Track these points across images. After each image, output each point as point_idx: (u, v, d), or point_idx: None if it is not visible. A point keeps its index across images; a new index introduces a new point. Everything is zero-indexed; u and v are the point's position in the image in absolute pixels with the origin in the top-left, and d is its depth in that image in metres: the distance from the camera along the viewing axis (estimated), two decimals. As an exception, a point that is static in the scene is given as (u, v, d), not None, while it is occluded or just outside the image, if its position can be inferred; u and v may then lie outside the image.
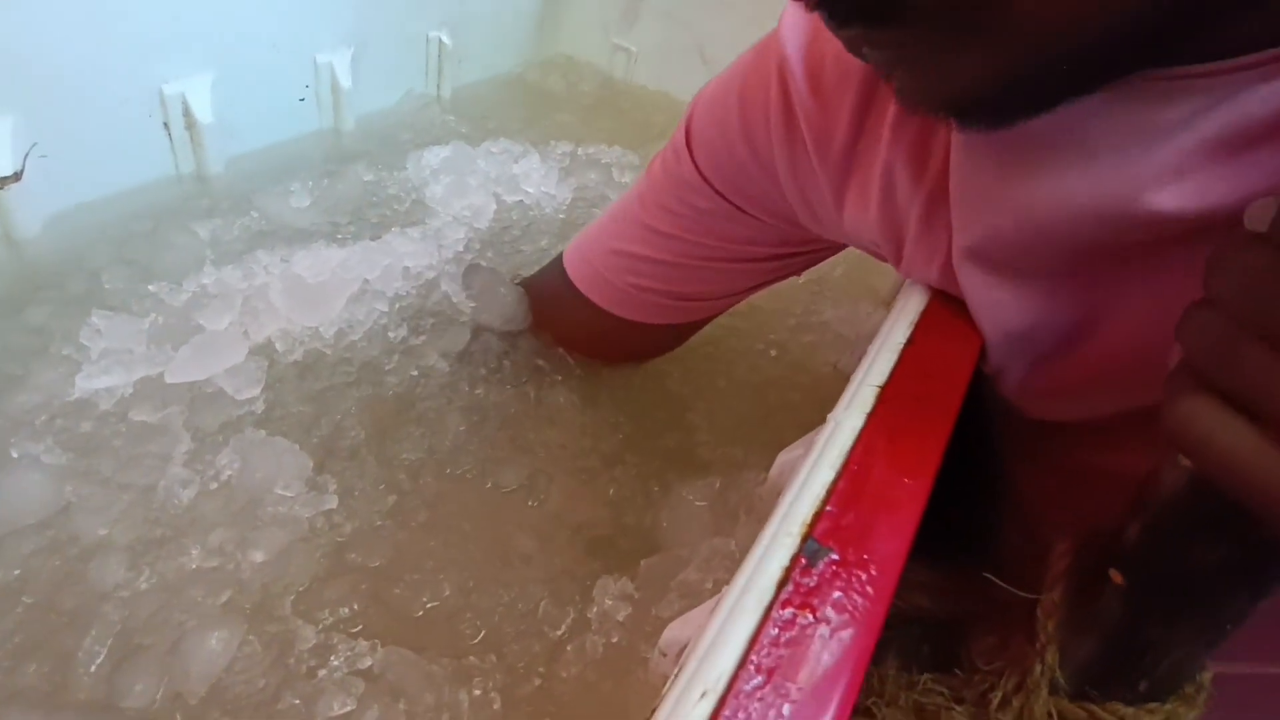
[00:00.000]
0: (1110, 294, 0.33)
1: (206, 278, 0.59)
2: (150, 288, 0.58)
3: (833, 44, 0.31)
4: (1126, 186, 0.28)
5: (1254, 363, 0.20)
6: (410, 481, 0.51)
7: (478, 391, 0.57)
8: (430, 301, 0.61)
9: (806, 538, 0.25)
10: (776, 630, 0.22)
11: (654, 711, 0.20)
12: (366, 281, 0.60)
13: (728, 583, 0.25)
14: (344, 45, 0.84)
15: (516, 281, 0.62)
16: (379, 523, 0.48)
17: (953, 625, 0.33)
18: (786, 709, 0.20)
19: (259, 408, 0.52)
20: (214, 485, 0.47)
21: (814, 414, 0.33)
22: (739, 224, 0.48)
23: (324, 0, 0.81)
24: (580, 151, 0.88)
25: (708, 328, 0.69)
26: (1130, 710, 0.28)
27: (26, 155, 0.62)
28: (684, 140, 0.48)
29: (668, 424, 0.60)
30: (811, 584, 0.23)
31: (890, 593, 0.24)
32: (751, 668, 0.20)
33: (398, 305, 0.60)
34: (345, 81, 0.84)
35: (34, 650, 0.40)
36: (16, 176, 0.61)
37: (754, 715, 0.20)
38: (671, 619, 0.33)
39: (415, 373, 0.57)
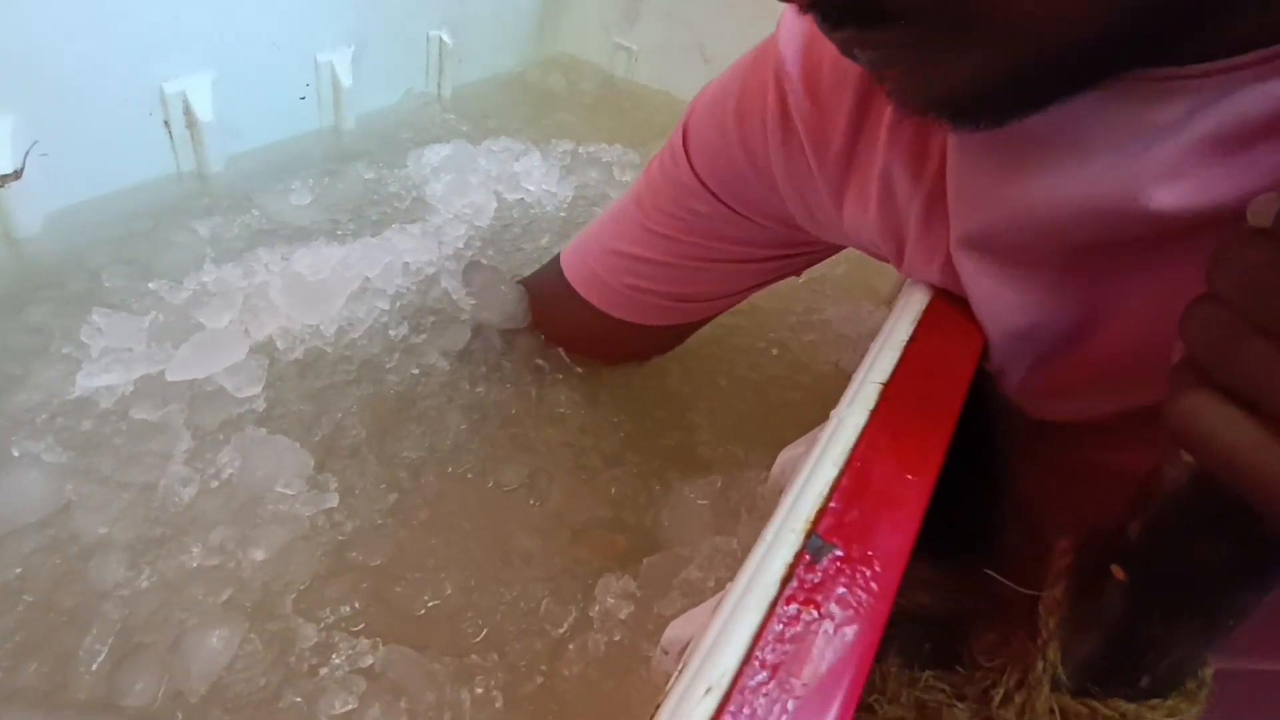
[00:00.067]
0: (1111, 293, 0.33)
1: (207, 276, 0.59)
2: (150, 286, 0.58)
3: (830, 48, 0.31)
4: (1123, 184, 0.29)
5: (1256, 358, 0.20)
6: (411, 480, 0.51)
7: (478, 390, 0.57)
8: (430, 299, 0.61)
9: (810, 534, 0.25)
10: (781, 626, 0.22)
11: (658, 708, 0.20)
12: (367, 279, 0.60)
13: (729, 581, 0.25)
14: (344, 44, 0.84)
15: (515, 280, 0.62)
16: (380, 521, 0.48)
17: (954, 622, 0.33)
18: (791, 705, 0.20)
19: (259, 406, 0.52)
20: (214, 483, 0.47)
21: (815, 412, 0.33)
22: (737, 227, 0.48)
23: (324, -1, 0.81)
24: (581, 150, 0.88)
25: (709, 327, 0.69)
26: (1132, 707, 0.28)
27: (27, 154, 0.62)
28: (681, 144, 0.48)
29: (669, 423, 0.60)
30: (815, 580, 0.23)
31: (894, 589, 0.24)
32: (756, 663, 0.20)
33: (398, 303, 0.60)
34: (346, 80, 0.84)
35: (34, 649, 0.40)
36: (17, 175, 0.61)
37: (759, 711, 0.20)
38: (673, 617, 0.33)
39: (416, 371, 0.57)
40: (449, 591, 0.44)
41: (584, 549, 0.49)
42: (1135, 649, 0.27)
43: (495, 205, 0.75)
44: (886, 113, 0.37)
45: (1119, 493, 0.27)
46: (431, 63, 0.97)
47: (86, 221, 0.67)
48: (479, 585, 0.45)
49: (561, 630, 0.43)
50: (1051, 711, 0.28)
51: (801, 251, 0.51)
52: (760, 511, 0.44)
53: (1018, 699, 0.29)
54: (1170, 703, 0.28)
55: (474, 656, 0.41)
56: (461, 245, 0.68)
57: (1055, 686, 0.28)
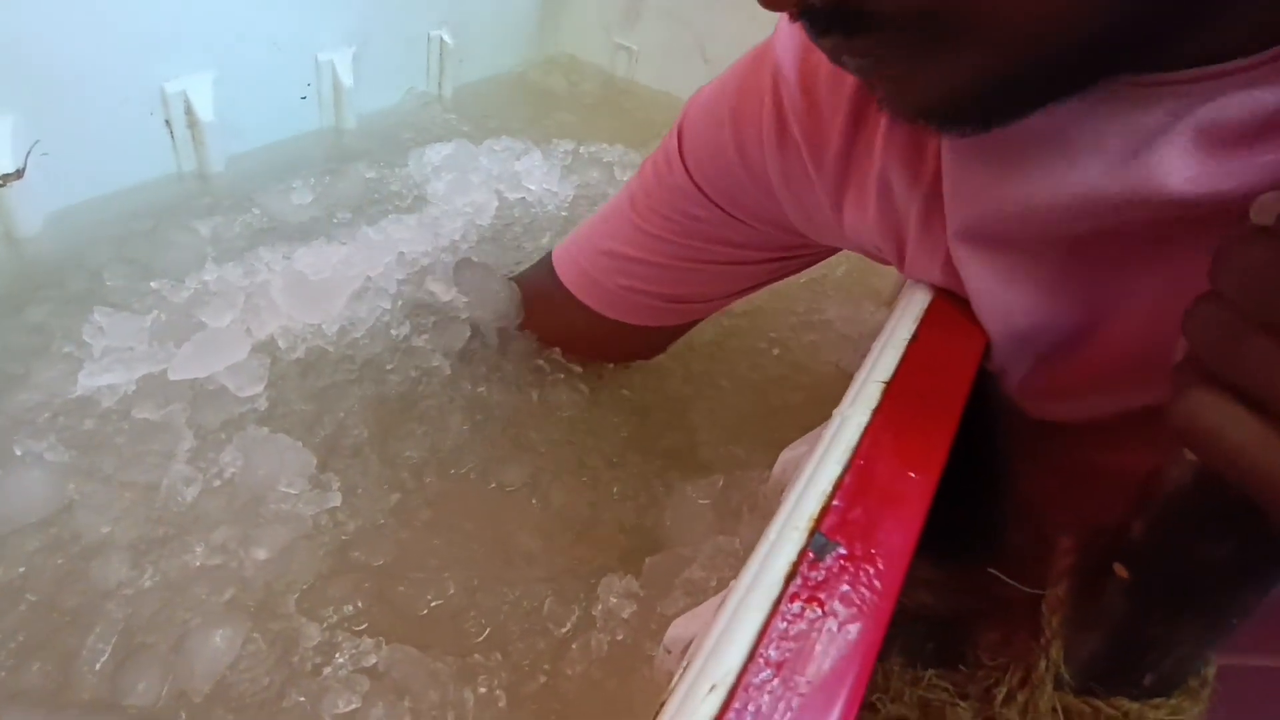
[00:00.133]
0: (1112, 294, 0.33)
1: (208, 275, 0.59)
2: (152, 285, 0.58)
3: None
4: (1116, 181, 0.29)
5: (1260, 356, 0.20)
6: (413, 480, 0.51)
7: (480, 390, 0.57)
8: (425, 293, 0.61)
9: (814, 532, 0.25)
10: (785, 624, 0.22)
11: (663, 706, 0.20)
12: (369, 279, 0.60)
13: (732, 580, 0.25)
14: (345, 44, 0.84)
15: (508, 278, 0.61)
16: (382, 521, 0.48)
17: (957, 621, 0.33)
18: (795, 702, 0.20)
19: (261, 405, 0.52)
20: (217, 483, 0.47)
21: (816, 413, 0.33)
22: (732, 230, 0.48)
23: (325, -1, 0.81)
24: (582, 150, 0.88)
25: (710, 328, 0.69)
26: (1135, 705, 0.28)
27: (28, 153, 0.62)
28: (676, 147, 0.48)
29: (670, 423, 0.60)
30: (819, 578, 0.23)
31: (898, 587, 0.24)
32: (760, 661, 0.21)
33: (400, 303, 0.60)
34: (347, 80, 0.84)
35: (37, 649, 0.40)
36: (19, 174, 0.61)
37: (763, 708, 0.20)
38: (676, 616, 0.33)
39: (417, 371, 0.57)
40: (452, 591, 0.44)
41: (586, 548, 0.49)
42: (1138, 648, 0.28)
43: (496, 204, 0.75)
44: (883, 116, 0.37)
45: (1121, 492, 0.27)
46: (432, 62, 0.97)
47: (87, 221, 0.67)
48: (482, 585, 0.45)
49: (564, 630, 0.43)
50: (1054, 710, 0.28)
51: (797, 254, 0.51)
52: (762, 511, 0.44)
53: (1021, 698, 0.29)
54: (1173, 701, 0.28)
55: (477, 656, 0.41)
56: (458, 238, 0.68)
57: (1058, 685, 0.28)
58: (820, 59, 0.39)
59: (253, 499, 0.47)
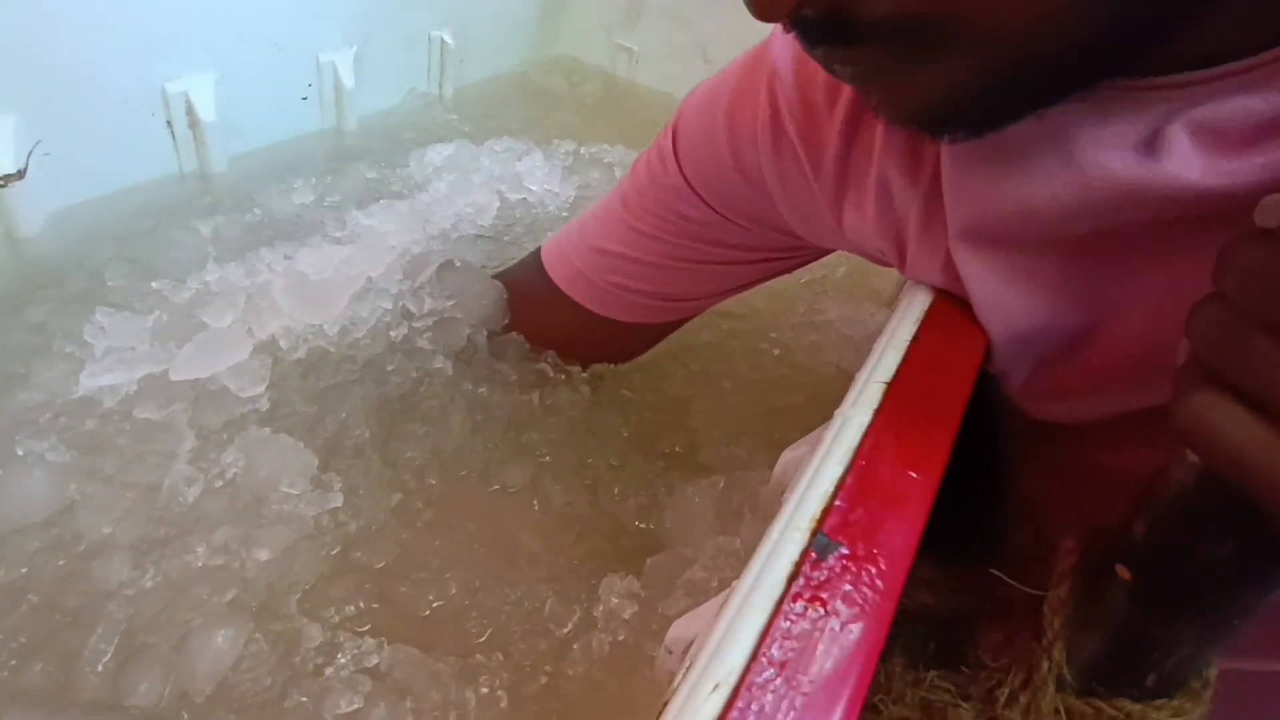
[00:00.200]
0: (1113, 296, 0.33)
1: (209, 275, 0.59)
2: (153, 285, 0.58)
3: None
4: (1115, 185, 0.29)
5: (1261, 357, 0.20)
6: (415, 481, 0.51)
7: (481, 391, 0.57)
8: (420, 288, 0.61)
9: (816, 532, 0.25)
10: (788, 624, 0.22)
11: (666, 705, 0.20)
12: (370, 279, 0.60)
13: (733, 581, 0.25)
14: (347, 44, 0.85)
15: (492, 275, 0.61)
16: (384, 521, 0.48)
17: (959, 622, 0.33)
18: (799, 701, 0.20)
19: (263, 405, 0.52)
20: (219, 483, 0.47)
21: (817, 413, 0.33)
22: (727, 231, 0.48)
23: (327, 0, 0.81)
24: (583, 151, 0.88)
25: (710, 329, 0.69)
26: (1137, 706, 0.28)
27: (30, 153, 0.62)
28: (671, 147, 0.48)
29: (671, 424, 0.60)
30: (822, 578, 0.23)
31: (900, 587, 0.24)
32: (764, 660, 0.21)
33: (401, 303, 0.60)
34: (348, 81, 0.84)
35: (39, 649, 0.40)
36: (20, 174, 0.61)
37: (767, 707, 0.20)
38: (677, 617, 0.33)
39: (419, 372, 0.57)
40: (453, 591, 0.44)
41: (587, 549, 0.49)
42: (1140, 649, 0.28)
43: (498, 204, 0.75)
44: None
45: (1122, 493, 0.27)
46: (433, 63, 0.97)
47: (89, 221, 0.67)
48: (483, 585, 0.45)
49: (566, 630, 0.43)
50: (1057, 711, 0.28)
51: (790, 255, 0.51)
52: (763, 512, 0.44)
53: (1023, 699, 0.29)
54: (1175, 702, 0.28)
55: (479, 656, 0.41)
56: (455, 237, 0.68)
57: (1060, 686, 0.28)
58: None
59: (254, 499, 0.47)
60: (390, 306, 0.59)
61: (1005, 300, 0.35)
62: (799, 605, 0.22)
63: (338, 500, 0.48)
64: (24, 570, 0.42)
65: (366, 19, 0.86)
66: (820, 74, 0.39)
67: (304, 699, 0.38)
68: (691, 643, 0.29)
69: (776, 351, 0.69)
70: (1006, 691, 0.29)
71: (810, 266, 0.63)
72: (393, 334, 0.58)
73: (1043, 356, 0.37)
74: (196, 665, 0.39)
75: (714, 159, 0.46)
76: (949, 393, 0.33)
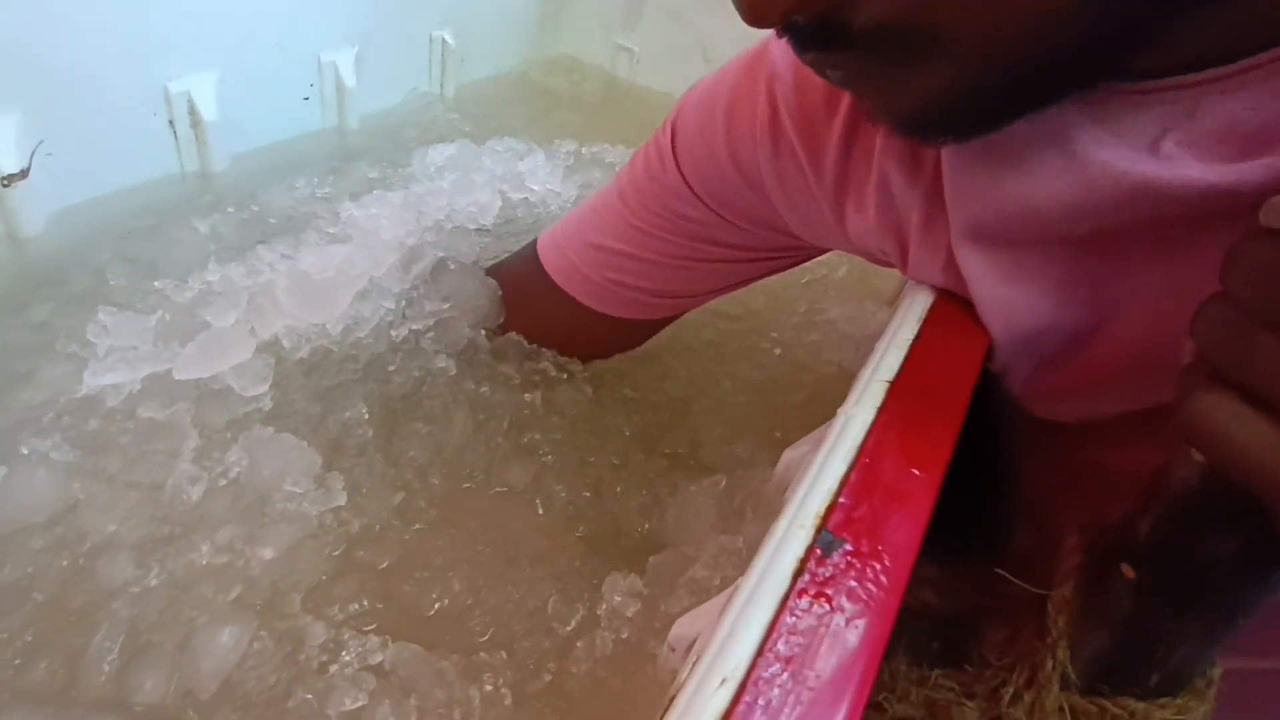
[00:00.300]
0: (1115, 296, 0.33)
1: (211, 275, 0.59)
2: (156, 284, 0.58)
3: None
4: (1114, 184, 0.29)
5: (1267, 355, 0.20)
6: (418, 480, 0.51)
7: (483, 390, 0.57)
8: (415, 288, 0.60)
9: (820, 529, 0.25)
10: (793, 619, 0.22)
11: (673, 700, 0.20)
12: (372, 279, 0.60)
13: (735, 579, 0.25)
14: (348, 44, 0.85)
15: (485, 272, 0.61)
16: (387, 520, 0.48)
17: (963, 621, 0.33)
18: (805, 696, 0.20)
19: (266, 405, 0.52)
20: (222, 482, 0.47)
21: (818, 412, 0.34)
22: (725, 231, 0.48)
23: (328, -1, 0.81)
24: (584, 150, 0.88)
25: (711, 328, 0.69)
26: (1141, 705, 0.28)
27: (33, 153, 0.62)
28: (669, 146, 0.48)
29: (673, 423, 0.60)
30: (827, 574, 0.23)
31: (904, 583, 0.24)
32: (770, 656, 0.21)
33: (403, 302, 0.60)
34: (349, 80, 0.84)
35: (43, 648, 0.40)
36: (23, 174, 0.61)
37: (773, 702, 0.20)
38: (680, 615, 0.34)
39: (421, 371, 0.57)
40: (457, 590, 0.45)
41: (590, 548, 0.49)
42: (1144, 647, 0.28)
43: (500, 204, 0.75)
44: None
45: (1126, 491, 0.27)
46: (434, 63, 0.97)
47: (91, 220, 0.67)
48: (486, 584, 0.45)
49: (569, 628, 0.43)
50: (1061, 710, 0.28)
51: (788, 254, 0.51)
52: (765, 510, 0.44)
53: (1027, 697, 0.29)
54: (1179, 701, 0.28)
55: (482, 654, 0.42)
56: (447, 223, 0.68)
57: (1064, 685, 0.29)
58: None
59: (258, 498, 0.47)
60: (392, 306, 0.59)
61: (1007, 299, 0.36)
62: (804, 601, 0.22)
63: (341, 499, 0.48)
64: (29, 569, 0.42)
65: (368, 19, 0.86)
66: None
67: (309, 696, 0.38)
68: (694, 641, 0.29)
69: (778, 351, 0.69)
70: (1011, 690, 0.30)
71: (811, 266, 0.63)
72: (394, 334, 0.58)
73: (1044, 355, 0.37)
74: (201, 663, 0.39)
75: (712, 159, 0.46)
76: (951, 391, 0.33)
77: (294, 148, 0.83)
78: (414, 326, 0.59)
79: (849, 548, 0.25)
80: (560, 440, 0.56)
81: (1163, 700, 0.28)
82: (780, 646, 0.21)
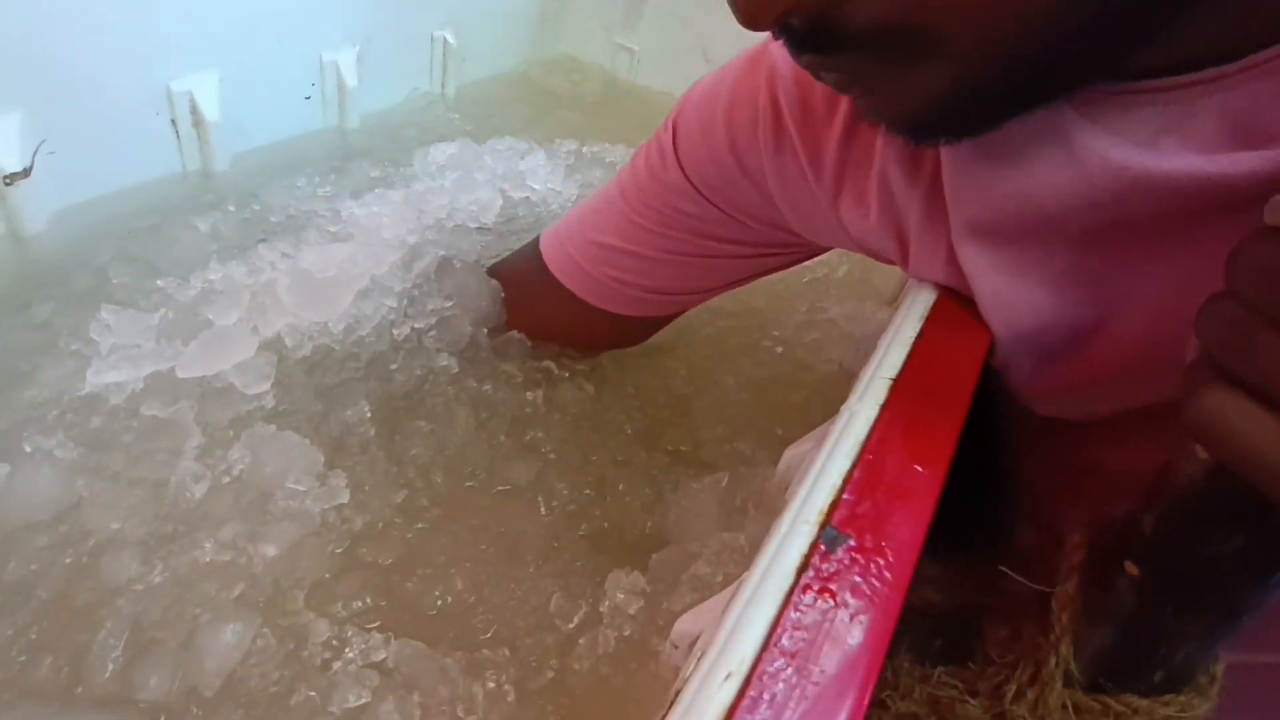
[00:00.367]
0: (1116, 294, 0.33)
1: (213, 273, 0.59)
2: (158, 283, 0.58)
3: None
4: (1114, 179, 0.29)
5: (1272, 353, 0.20)
6: (420, 478, 0.51)
7: (485, 388, 0.57)
8: (417, 286, 0.60)
9: (824, 525, 0.25)
10: (798, 614, 0.22)
11: (678, 695, 0.20)
12: (374, 277, 0.60)
13: (738, 576, 0.25)
14: (349, 44, 0.85)
15: (487, 271, 0.61)
16: (390, 518, 0.48)
17: (966, 618, 0.33)
18: (810, 690, 0.20)
19: (269, 403, 0.52)
20: (225, 480, 0.47)
21: (819, 411, 0.34)
22: (726, 227, 0.48)
23: (330, -1, 0.81)
24: (585, 150, 0.88)
25: (711, 326, 0.69)
26: (1144, 702, 0.28)
27: (35, 152, 0.62)
28: (671, 143, 0.48)
29: (674, 421, 0.60)
30: (831, 570, 0.23)
31: (907, 579, 0.24)
32: (775, 650, 0.21)
33: (405, 301, 0.60)
34: (351, 80, 0.84)
35: (48, 645, 0.40)
36: (26, 173, 0.61)
37: (778, 696, 0.20)
38: (682, 612, 0.34)
39: (423, 369, 0.57)
40: (459, 587, 0.45)
41: (592, 545, 0.49)
42: (1148, 644, 0.28)
43: (501, 203, 0.75)
44: None
45: (1128, 488, 0.27)
46: (435, 62, 0.97)
47: (93, 219, 0.67)
48: (489, 582, 0.45)
49: (571, 626, 0.43)
50: (1064, 707, 0.29)
51: (789, 251, 0.51)
52: (767, 508, 0.44)
53: (1030, 694, 0.29)
54: (1183, 698, 0.28)
55: (485, 651, 0.42)
56: (448, 221, 0.68)
57: (1068, 682, 0.29)
58: None
59: (261, 496, 0.47)
60: (394, 304, 0.60)
61: (1008, 296, 0.36)
62: (809, 596, 0.22)
63: (344, 497, 0.48)
64: (33, 566, 0.42)
65: (369, 19, 0.86)
66: None
67: (312, 693, 0.38)
68: (697, 638, 0.30)
69: (779, 349, 0.69)
70: (1014, 687, 0.30)
71: (812, 265, 0.63)
72: (395, 332, 0.58)
73: (1046, 352, 0.37)
74: (205, 660, 0.39)
75: (714, 156, 0.46)
76: (954, 388, 0.33)
77: (295, 147, 0.83)
78: (416, 325, 0.59)
79: (853, 543, 0.25)
80: (562, 438, 0.56)
81: (1166, 697, 0.28)
82: (785, 641, 0.21)
